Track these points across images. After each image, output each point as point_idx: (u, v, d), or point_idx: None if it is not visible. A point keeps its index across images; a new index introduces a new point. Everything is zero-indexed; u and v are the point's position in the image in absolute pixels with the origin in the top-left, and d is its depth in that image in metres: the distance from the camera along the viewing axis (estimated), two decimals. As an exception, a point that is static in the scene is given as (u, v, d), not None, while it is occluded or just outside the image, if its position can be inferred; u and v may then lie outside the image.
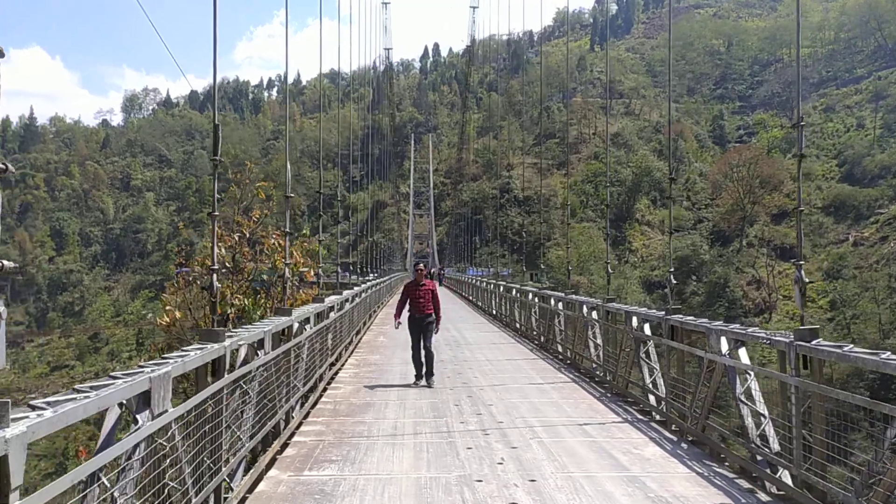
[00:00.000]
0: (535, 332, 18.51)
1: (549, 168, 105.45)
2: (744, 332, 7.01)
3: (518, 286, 22.78)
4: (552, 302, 16.43)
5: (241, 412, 6.77)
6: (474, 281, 40.32)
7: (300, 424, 8.76)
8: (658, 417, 9.16)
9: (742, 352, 7.14)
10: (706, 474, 6.72)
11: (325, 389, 11.10)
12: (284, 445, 7.73)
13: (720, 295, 78.03)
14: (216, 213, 6.25)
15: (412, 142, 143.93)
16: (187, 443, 5.00)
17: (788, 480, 6.01)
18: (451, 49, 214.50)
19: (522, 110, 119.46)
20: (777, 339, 6.29)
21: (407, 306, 12.33)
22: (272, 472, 6.76)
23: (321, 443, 7.86)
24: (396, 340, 16.37)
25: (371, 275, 43.39)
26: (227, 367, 5.94)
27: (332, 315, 12.81)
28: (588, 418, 9.18)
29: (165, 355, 5.08)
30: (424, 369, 11.75)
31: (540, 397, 10.62)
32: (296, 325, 9.58)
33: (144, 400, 4.19)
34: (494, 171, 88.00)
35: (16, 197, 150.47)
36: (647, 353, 9.99)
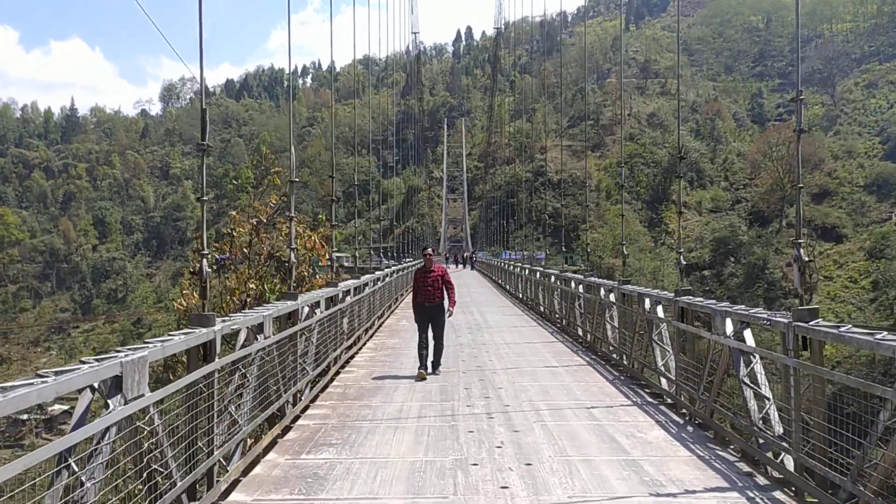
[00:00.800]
0: (557, 316, 18.36)
1: (584, 150, 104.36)
2: (747, 312, 6.83)
3: (542, 269, 22.59)
4: (573, 285, 16.27)
5: (240, 395, 6.80)
6: (502, 264, 40.13)
7: (307, 407, 8.80)
8: (668, 401, 9.01)
9: (747, 333, 6.97)
10: (707, 458, 6.59)
11: (338, 372, 11.14)
12: (287, 429, 7.76)
13: (759, 276, 76.57)
14: (206, 199, 6.25)
15: (445, 126, 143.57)
16: (170, 426, 5.02)
17: (790, 465, 5.86)
18: (483, 32, 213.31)
19: (556, 92, 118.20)
20: (777, 319, 6.12)
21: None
22: (270, 456, 6.78)
23: (324, 426, 7.87)
24: (417, 325, 16.36)
25: (408, 259, 43.64)
26: (218, 351, 5.95)
27: (347, 299, 12.83)
28: (597, 401, 9.07)
29: (147, 339, 5.11)
30: (431, 360, 11.14)
31: (552, 380, 10.52)
32: (306, 310, 9.61)
33: (116, 385, 4.20)
34: (528, 154, 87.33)
35: (59, 187, 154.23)
36: (660, 336, 9.83)
